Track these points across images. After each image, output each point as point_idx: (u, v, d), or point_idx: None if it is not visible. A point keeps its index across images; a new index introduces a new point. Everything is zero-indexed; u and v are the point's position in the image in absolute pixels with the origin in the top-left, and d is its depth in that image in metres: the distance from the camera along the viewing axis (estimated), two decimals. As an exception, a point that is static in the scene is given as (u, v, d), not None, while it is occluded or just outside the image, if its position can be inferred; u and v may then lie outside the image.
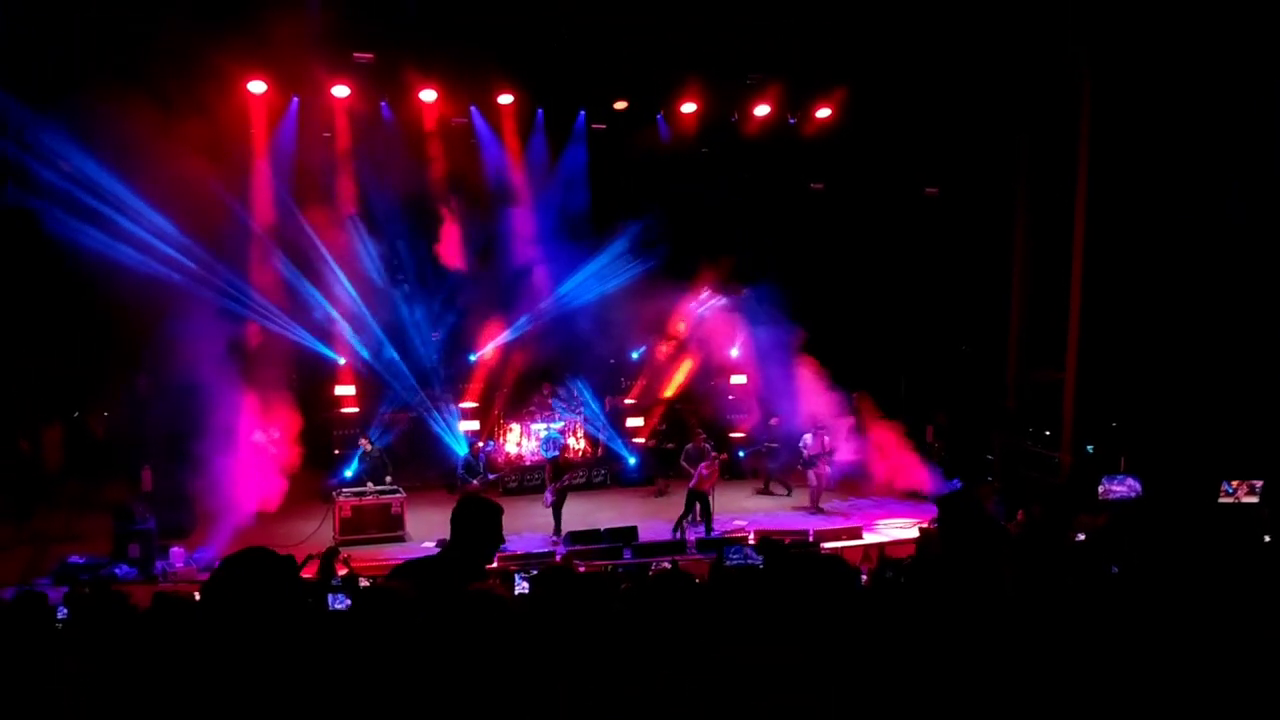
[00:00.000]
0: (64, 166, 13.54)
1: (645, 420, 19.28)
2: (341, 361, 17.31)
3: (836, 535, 14.49)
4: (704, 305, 19.68)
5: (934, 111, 16.45)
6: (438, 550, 12.35)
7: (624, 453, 18.87)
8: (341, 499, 14.82)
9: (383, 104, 16.14)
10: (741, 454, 18.83)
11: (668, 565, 11.29)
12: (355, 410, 17.59)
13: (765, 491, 18.06)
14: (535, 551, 13.74)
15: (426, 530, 14.59)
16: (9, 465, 15.61)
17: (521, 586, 9.46)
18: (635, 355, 20.00)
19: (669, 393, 19.53)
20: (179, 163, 13.02)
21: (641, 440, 18.96)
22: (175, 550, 13.04)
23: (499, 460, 17.91)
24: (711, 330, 19.43)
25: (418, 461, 18.02)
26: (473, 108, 16.83)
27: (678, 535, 14.49)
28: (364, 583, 9.59)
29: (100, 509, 13.69)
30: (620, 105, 17.09)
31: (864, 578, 8.54)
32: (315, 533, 14.11)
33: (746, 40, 15.55)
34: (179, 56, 13.00)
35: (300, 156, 16.01)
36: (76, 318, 14.57)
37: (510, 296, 18.35)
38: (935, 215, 18.44)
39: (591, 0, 14.18)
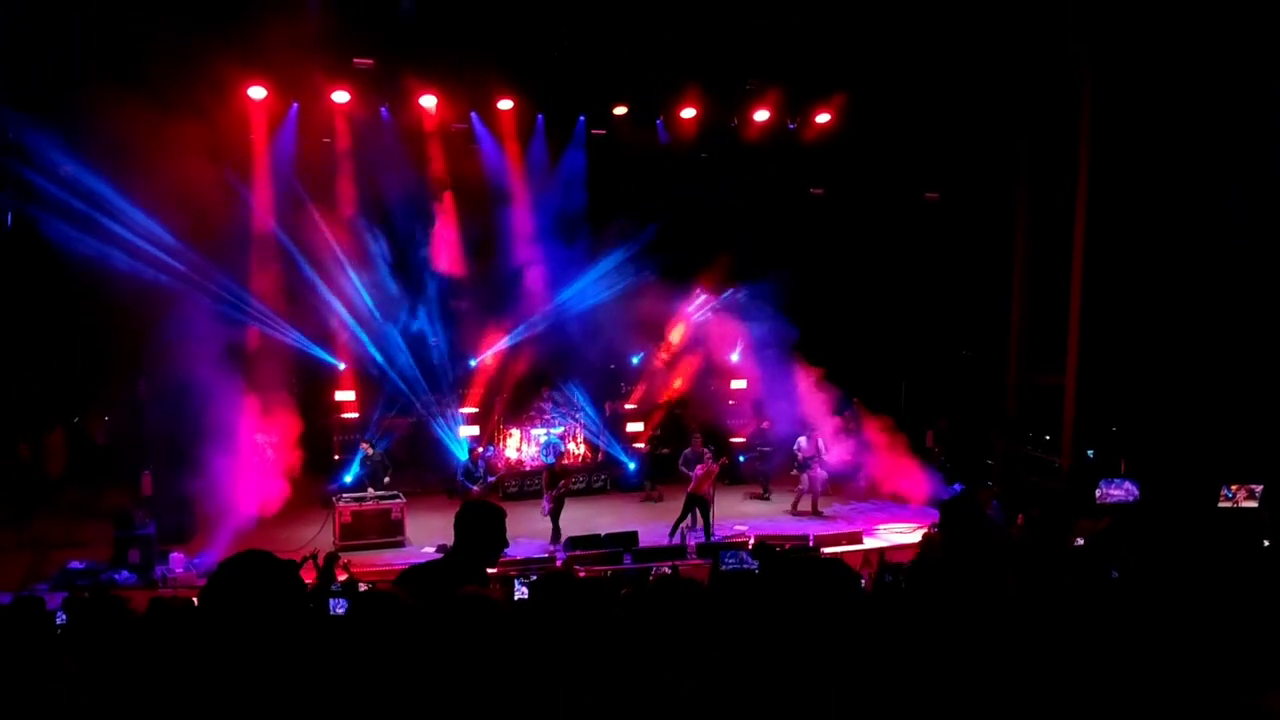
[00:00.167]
0: (63, 172, 13.57)
1: (645, 425, 19.28)
2: (341, 367, 17.31)
3: (837, 540, 14.46)
4: (703, 310, 19.68)
5: (934, 116, 16.47)
6: (438, 555, 12.37)
7: (623, 458, 18.86)
8: (341, 504, 14.82)
9: (383, 109, 16.17)
10: (742, 458, 18.82)
11: (668, 570, 11.28)
12: (355, 415, 17.59)
13: (764, 496, 18.04)
14: (535, 557, 13.74)
15: (426, 535, 14.60)
16: (9, 471, 15.60)
17: (521, 592, 9.45)
18: (635, 360, 19.99)
19: (669, 398, 19.53)
20: (178, 168, 13.01)
21: (639, 445, 18.93)
22: (175, 555, 13.03)
23: (499, 465, 17.91)
24: (711, 334, 19.43)
25: (417, 466, 18.04)
26: (473, 113, 16.86)
27: (674, 540, 14.48)
28: (363, 588, 9.58)
29: (100, 515, 13.69)
30: (620, 110, 17.12)
31: (865, 582, 8.54)
32: (315, 538, 14.09)
33: (746, 46, 15.57)
34: (179, 62, 13.00)
35: (300, 161, 16.04)
36: (76, 323, 14.60)
37: (510, 301, 18.35)
38: (935, 220, 18.46)
39: (591, 5, 14.20)
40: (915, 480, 16.78)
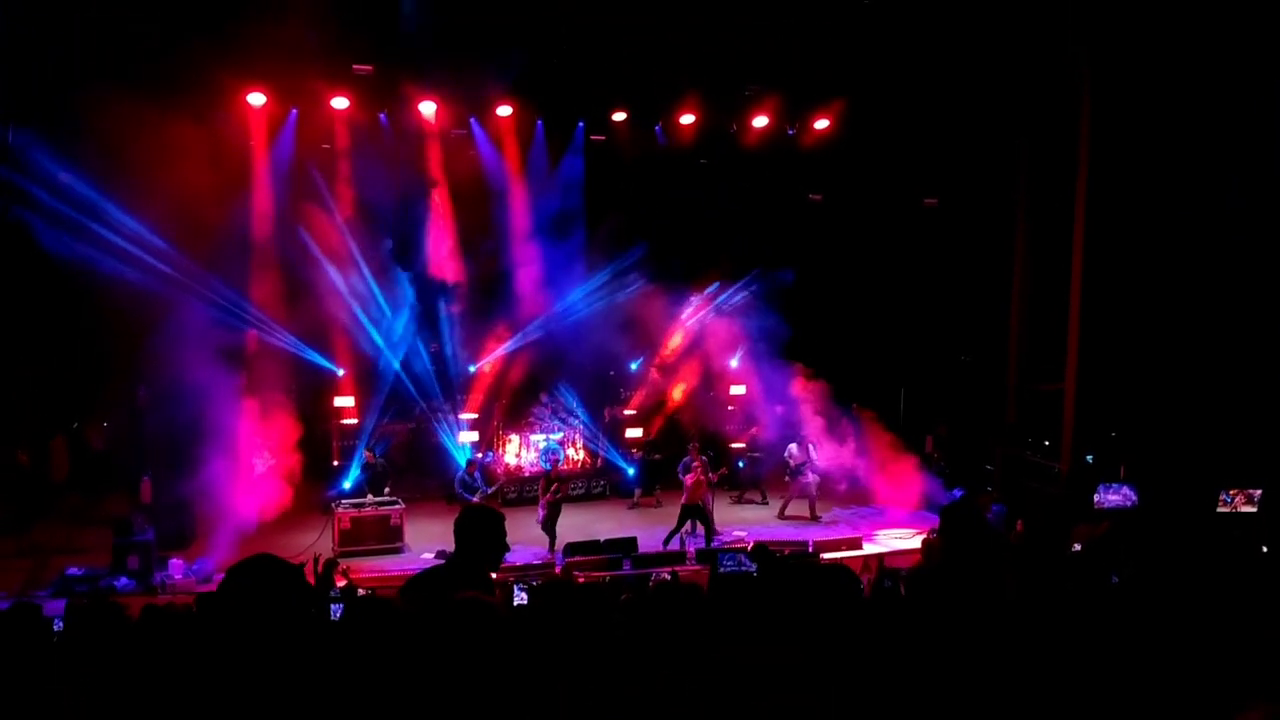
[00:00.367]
0: (62, 178, 13.58)
1: (644, 431, 19.26)
2: (340, 372, 17.31)
3: (836, 545, 14.46)
4: (702, 315, 19.68)
5: (933, 121, 16.49)
6: (437, 561, 12.36)
7: (622, 463, 18.84)
8: (340, 510, 14.80)
9: (382, 116, 16.19)
10: (741, 464, 18.80)
11: (667, 576, 11.26)
12: (354, 421, 17.57)
13: (763, 501, 18.05)
14: (534, 563, 13.72)
15: (425, 541, 14.58)
16: (8, 478, 15.59)
17: (520, 598, 9.43)
18: (634, 366, 19.98)
19: (667, 403, 19.51)
20: (177, 174, 13.03)
21: (635, 452, 18.89)
22: (174, 562, 13.01)
23: (498, 471, 17.90)
24: (710, 340, 19.42)
25: (417, 472, 18.01)
26: (472, 119, 16.88)
27: (666, 548, 14.45)
28: (362, 594, 9.58)
29: (100, 521, 13.68)
30: (619, 116, 17.14)
31: (864, 588, 8.52)
32: (314, 544, 14.07)
33: (745, 52, 15.60)
34: (178, 69, 13.01)
35: (299, 167, 16.05)
36: (75, 330, 14.59)
37: (509, 307, 18.35)
38: (934, 225, 18.48)
39: (591, 12, 14.23)
40: (912, 485, 16.74)
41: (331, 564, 11.63)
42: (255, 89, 14.81)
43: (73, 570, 12.58)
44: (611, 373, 19.73)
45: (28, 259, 13.67)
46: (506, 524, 4.41)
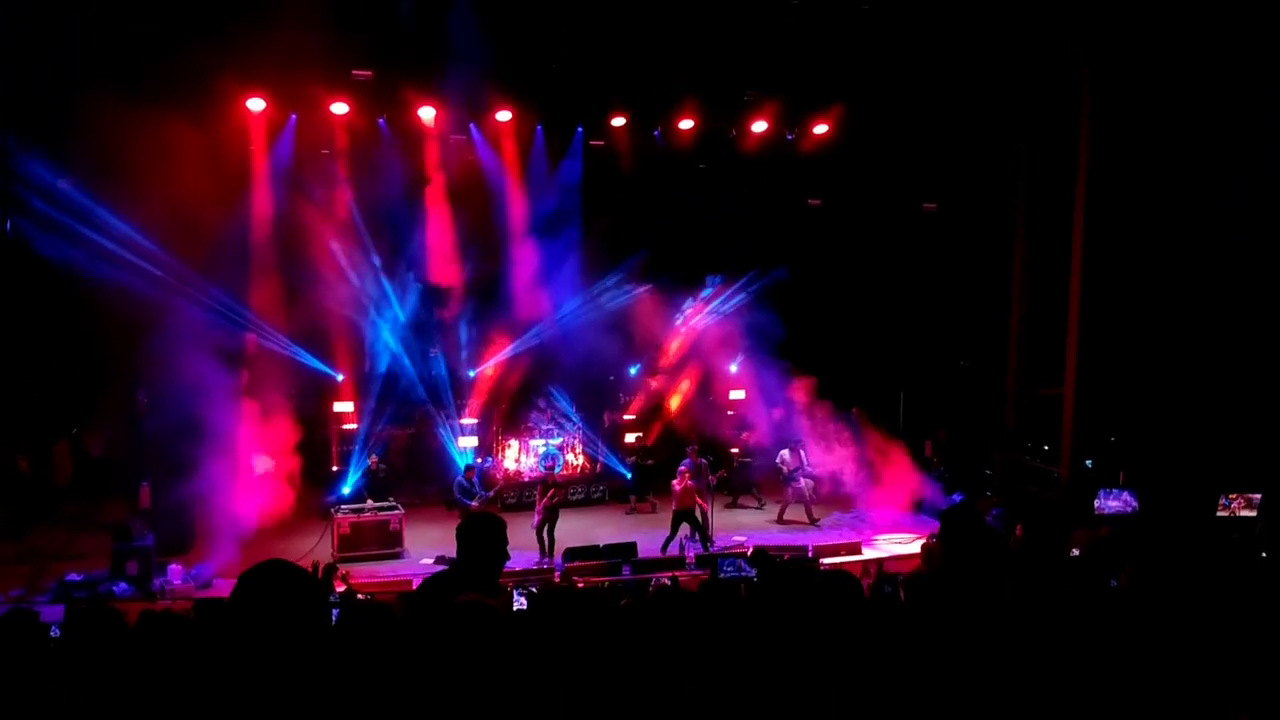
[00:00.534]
0: (61, 185, 13.58)
1: (644, 436, 19.24)
2: (340, 378, 17.30)
3: (835, 550, 14.44)
4: (701, 320, 19.68)
5: (932, 125, 16.51)
6: (437, 566, 12.35)
7: (620, 469, 18.81)
8: (340, 516, 14.78)
9: (381, 121, 16.20)
10: (735, 465, 18.77)
11: (667, 581, 11.25)
12: (354, 426, 17.56)
13: (759, 505, 18.02)
14: (533, 568, 13.70)
15: (425, 546, 14.56)
16: (8, 483, 15.57)
17: (519, 603, 9.42)
18: (633, 371, 19.98)
19: (666, 408, 19.50)
20: (176, 180, 13.02)
21: (629, 457, 18.86)
22: (173, 567, 13.00)
23: (497, 477, 17.90)
24: (709, 345, 19.42)
25: (416, 477, 17.99)
26: (471, 124, 16.90)
27: (665, 554, 14.42)
28: (361, 599, 9.55)
29: (99, 526, 13.65)
30: (619, 121, 17.16)
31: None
32: (314, 549, 14.07)
33: (744, 57, 15.63)
34: (177, 74, 13.03)
35: (298, 172, 16.06)
36: (74, 335, 14.58)
37: (509, 312, 18.35)
38: (933, 230, 18.48)
39: (590, 17, 14.25)
40: (915, 491, 16.72)
41: (331, 569, 11.66)
42: (255, 94, 14.83)
43: (71, 576, 12.56)
44: (611, 378, 19.71)
45: (27, 265, 13.67)
46: (507, 530, 4.41)
